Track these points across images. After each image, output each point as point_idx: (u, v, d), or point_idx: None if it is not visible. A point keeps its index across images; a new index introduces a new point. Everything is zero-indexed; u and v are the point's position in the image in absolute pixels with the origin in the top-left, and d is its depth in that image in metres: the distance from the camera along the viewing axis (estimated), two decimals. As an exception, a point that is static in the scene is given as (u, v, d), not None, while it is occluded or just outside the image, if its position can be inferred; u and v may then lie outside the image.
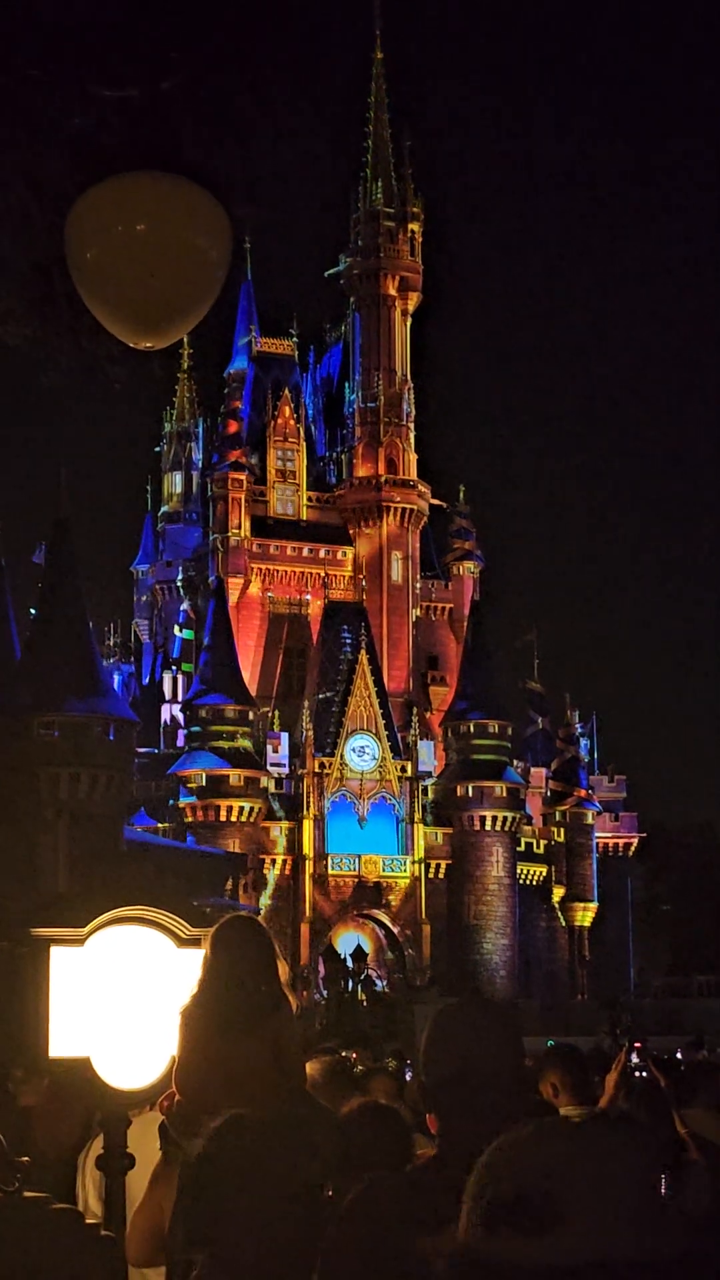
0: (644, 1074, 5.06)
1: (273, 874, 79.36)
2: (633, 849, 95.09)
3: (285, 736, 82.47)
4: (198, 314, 4.01)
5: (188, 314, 3.95)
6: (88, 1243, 4.48)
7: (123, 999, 4.71)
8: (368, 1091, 7.60)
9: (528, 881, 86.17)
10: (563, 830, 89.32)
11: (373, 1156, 4.15)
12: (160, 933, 4.75)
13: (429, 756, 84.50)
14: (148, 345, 3.99)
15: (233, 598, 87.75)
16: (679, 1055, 19.00)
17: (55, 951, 4.65)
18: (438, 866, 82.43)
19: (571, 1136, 1.94)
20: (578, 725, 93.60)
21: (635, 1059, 5.15)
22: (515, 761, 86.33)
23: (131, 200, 3.85)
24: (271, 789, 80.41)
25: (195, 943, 4.55)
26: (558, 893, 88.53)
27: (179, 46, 4.11)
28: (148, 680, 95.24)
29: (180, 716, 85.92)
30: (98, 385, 4.72)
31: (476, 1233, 1.89)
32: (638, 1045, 5.27)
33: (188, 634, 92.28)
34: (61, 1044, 4.66)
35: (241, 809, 78.69)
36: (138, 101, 4.09)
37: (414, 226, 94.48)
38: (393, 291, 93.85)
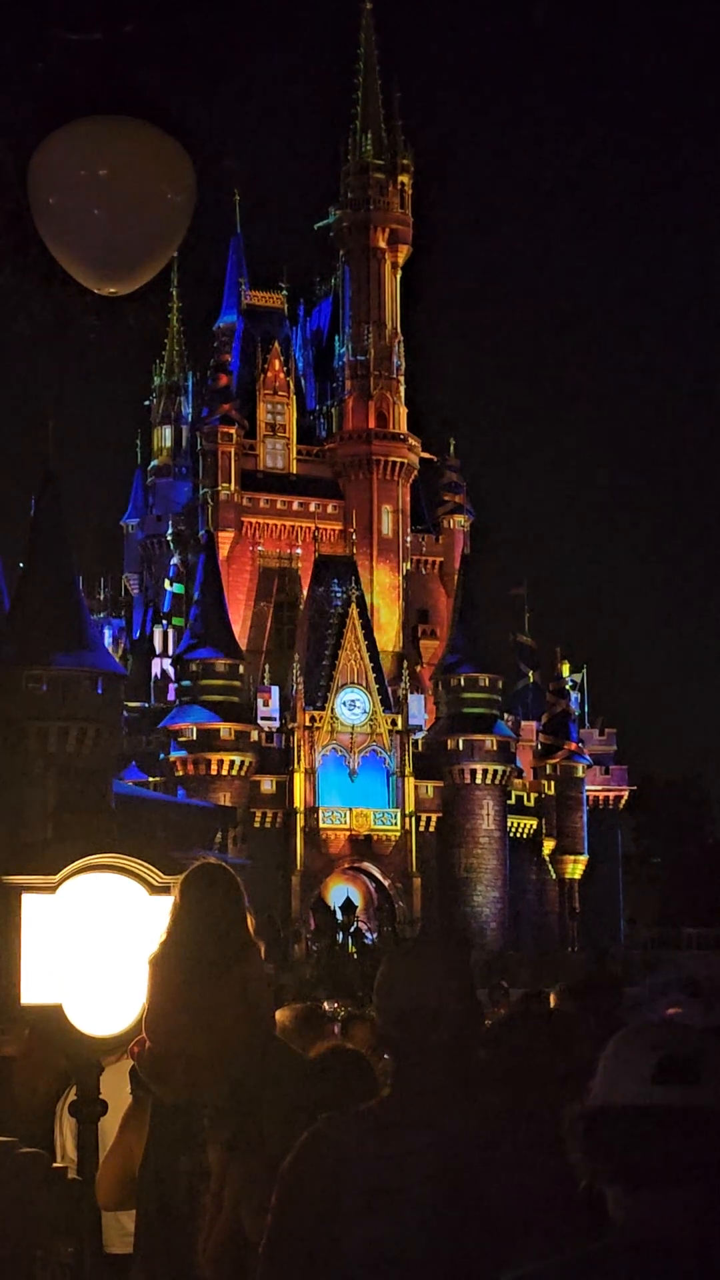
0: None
1: (262, 828, 79.47)
2: (623, 802, 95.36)
3: (276, 690, 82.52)
4: (161, 259, 3.99)
5: (150, 259, 3.94)
6: (54, 1184, 4.54)
7: (95, 946, 4.73)
8: (350, 1038, 7.64)
9: (518, 834, 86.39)
10: (553, 783, 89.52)
11: (338, 1099, 4.17)
12: (132, 880, 4.77)
13: (419, 710, 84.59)
14: (111, 291, 3.98)
15: (223, 551, 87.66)
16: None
17: (27, 899, 4.66)
18: (428, 820, 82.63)
19: None
20: (568, 679, 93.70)
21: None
22: (505, 715, 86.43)
23: (94, 145, 3.83)
24: (262, 743, 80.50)
25: (166, 890, 4.56)
26: (548, 846, 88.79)
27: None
28: (138, 634, 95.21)
29: (171, 671, 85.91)
30: (75, 336, 4.70)
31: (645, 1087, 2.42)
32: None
33: (178, 588, 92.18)
34: (33, 991, 4.68)
35: (232, 763, 78.80)
36: (105, 46, 4.06)
37: (404, 178, 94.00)
38: (383, 244, 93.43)
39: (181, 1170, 4.28)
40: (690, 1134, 2.34)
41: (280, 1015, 6.73)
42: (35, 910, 4.69)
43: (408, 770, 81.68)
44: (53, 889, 4.71)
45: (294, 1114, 3.94)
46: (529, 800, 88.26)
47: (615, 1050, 2.50)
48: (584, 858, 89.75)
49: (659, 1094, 2.39)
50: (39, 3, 4.00)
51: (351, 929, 62.23)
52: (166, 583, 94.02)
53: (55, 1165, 4.71)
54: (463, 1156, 3.19)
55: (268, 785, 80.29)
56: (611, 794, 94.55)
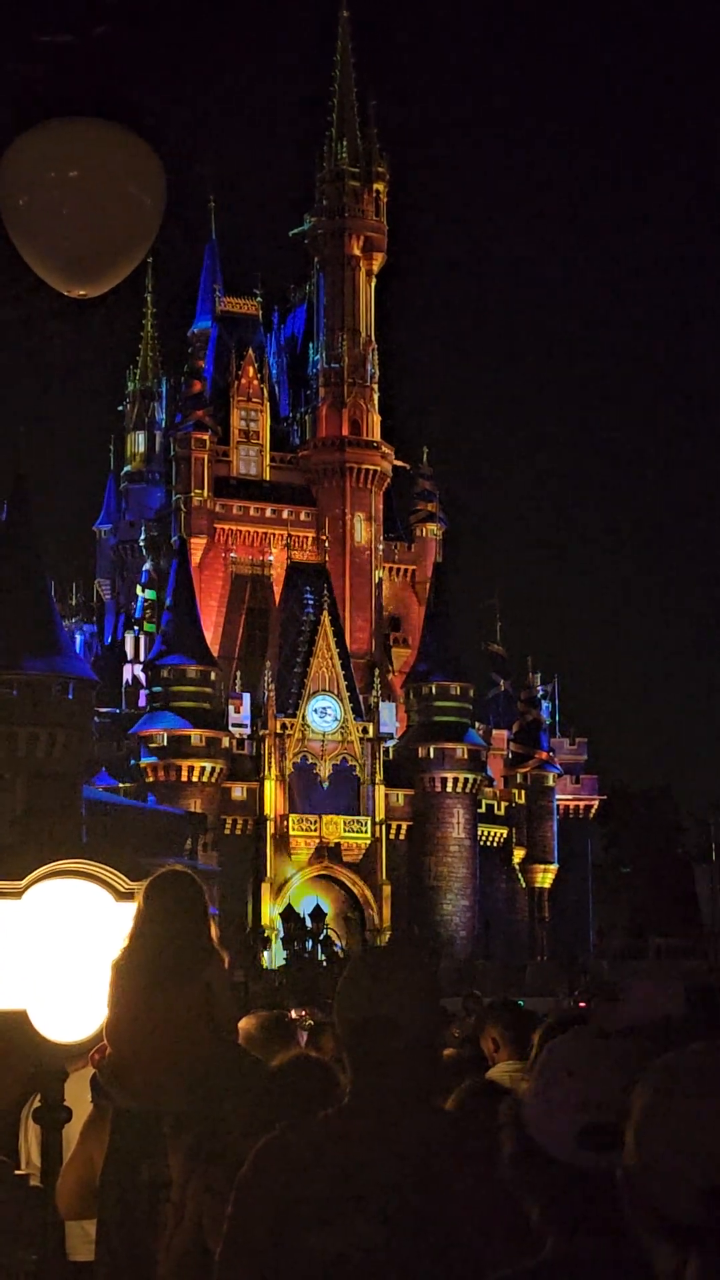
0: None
1: (232, 834, 79.38)
2: (593, 811, 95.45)
3: (247, 697, 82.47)
4: (131, 262, 3.98)
5: (120, 262, 3.92)
6: (17, 1192, 4.51)
7: (61, 952, 4.70)
8: (319, 1048, 7.62)
9: (488, 843, 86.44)
10: (523, 792, 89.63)
11: (301, 1108, 4.15)
12: (99, 886, 4.75)
13: (390, 718, 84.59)
14: (81, 293, 3.96)
15: (195, 558, 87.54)
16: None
17: (-8, 904, 4.63)
18: (398, 828, 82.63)
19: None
20: (539, 688, 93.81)
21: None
22: (477, 723, 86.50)
23: (64, 146, 3.82)
24: (233, 749, 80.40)
25: (133, 896, 4.54)
26: (518, 854, 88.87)
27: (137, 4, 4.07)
28: (110, 640, 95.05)
29: (142, 676, 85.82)
30: (48, 341, 4.69)
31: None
32: (582, 1005, 5.31)
33: (150, 594, 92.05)
34: (-2, 996, 4.65)
35: (203, 769, 78.69)
36: (80, 50, 4.04)
37: (379, 186, 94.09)
38: (357, 251, 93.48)
39: (143, 1179, 4.26)
40: (614, 1198, 2.33)
41: (246, 1023, 6.71)
42: (1, 916, 4.67)
43: (378, 778, 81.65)
44: (19, 894, 4.69)
45: (256, 1123, 3.92)
46: (499, 809, 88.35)
47: (542, 1089, 2.51)
48: (554, 867, 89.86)
49: (584, 1158, 2.41)
50: (12, 6, 3.98)
51: (321, 937, 62.17)
52: (138, 588, 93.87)
53: (18, 1173, 4.68)
54: (420, 1166, 3.17)
55: (238, 792, 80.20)
56: (582, 803, 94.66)
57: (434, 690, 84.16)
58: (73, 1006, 4.63)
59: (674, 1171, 2.06)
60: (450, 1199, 3.09)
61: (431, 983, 3.44)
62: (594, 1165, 2.38)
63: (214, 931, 4.44)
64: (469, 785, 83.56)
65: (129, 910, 4.49)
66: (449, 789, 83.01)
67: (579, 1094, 2.46)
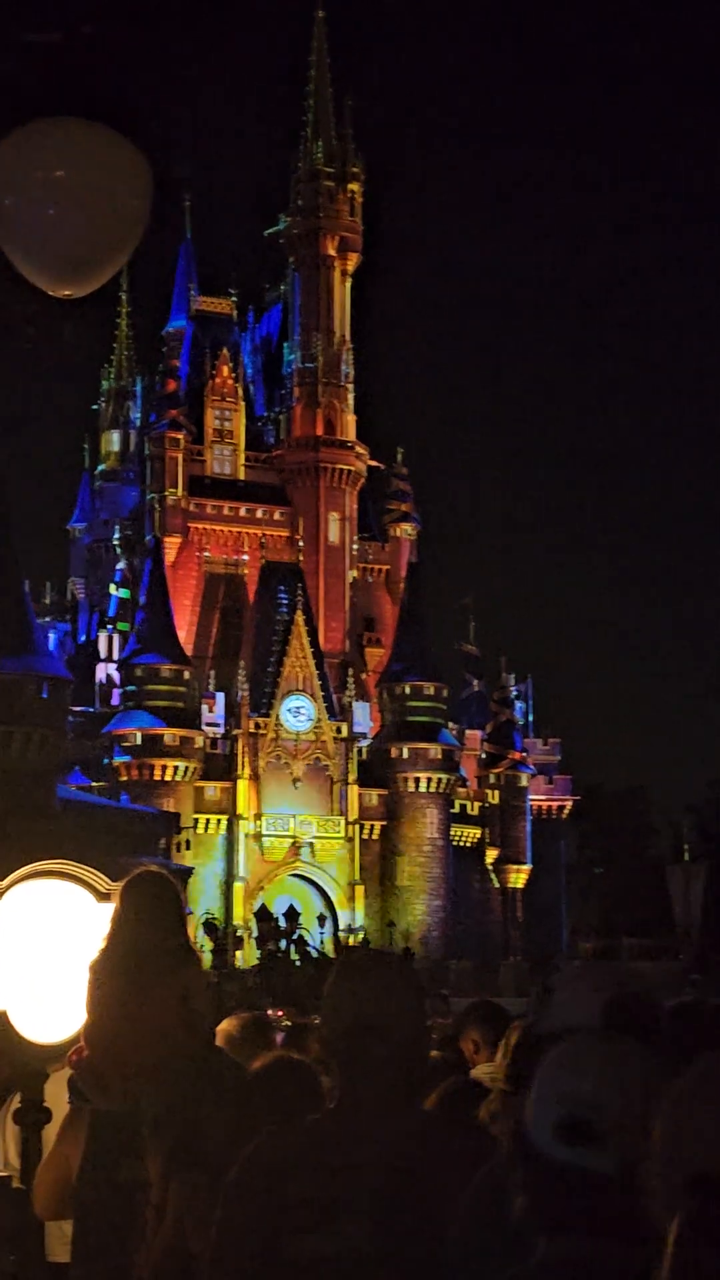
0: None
1: (206, 834, 79.33)
2: (566, 812, 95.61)
3: (221, 696, 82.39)
4: (116, 262, 3.97)
5: (106, 262, 3.92)
6: (-2, 1194, 4.50)
7: (41, 953, 4.70)
8: (302, 1049, 7.60)
9: (461, 843, 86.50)
10: (497, 793, 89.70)
11: (281, 1109, 4.15)
12: (79, 886, 4.75)
13: (364, 718, 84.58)
14: (67, 293, 3.95)
15: (169, 557, 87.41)
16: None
17: (-29, 904, 4.63)
18: (372, 828, 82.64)
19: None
20: (513, 688, 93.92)
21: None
22: (450, 724, 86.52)
23: (50, 147, 3.81)
24: (207, 749, 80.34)
25: (113, 896, 4.54)
26: (491, 855, 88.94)
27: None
28: (84, 639, 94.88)
29: (116, 675, 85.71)
30: (20, 340, 4.68)
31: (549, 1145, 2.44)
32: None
33: (124, 593, 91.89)
34: (-23, 997, 4.65)
35: (176, 768, 78.59)
36: (62, 49, 4.04)
37: (354, 186, 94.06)
38: (332, 252, 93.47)
39: (121, 1180, 4.26)
40: (593, 1195, 2.39)
41: (227, 1024, 6.71)
42: (-20, 916, 4.66)
43: (352, 778, 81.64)
44: (-2, 894, 4.69)
45: (236, 1125, 3.92)
46: (473, 809, 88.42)
47: (535, 1085, 2.56)
48: (527, 867, 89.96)
49: (558, 1151, 2.44)
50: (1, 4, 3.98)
51: (295, 936, 62.13)
52: (112, 587, 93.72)
53: (-1, 1174, 4.67)
54: (408, 1169, 3.18)
55: (212, 791, 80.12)
56: (555, 804, 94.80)
57: (408, 690, 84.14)
58: (53, 1007, 4.63)
59: (667, 1161, 2.08)
60: (439, 1201, 3.10)
61: (417, 987, 3.46)
62: (567, 1159, 2.41)
63: (190, 931, 4.44)
64: (442, 785, 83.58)
65: (109, 911, 4.49)
66: (422, 789, 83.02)
67: (559, 1088, 2.50)
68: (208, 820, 79.57)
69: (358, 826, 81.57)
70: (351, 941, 74.32)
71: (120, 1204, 4.24)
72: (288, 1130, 3.33)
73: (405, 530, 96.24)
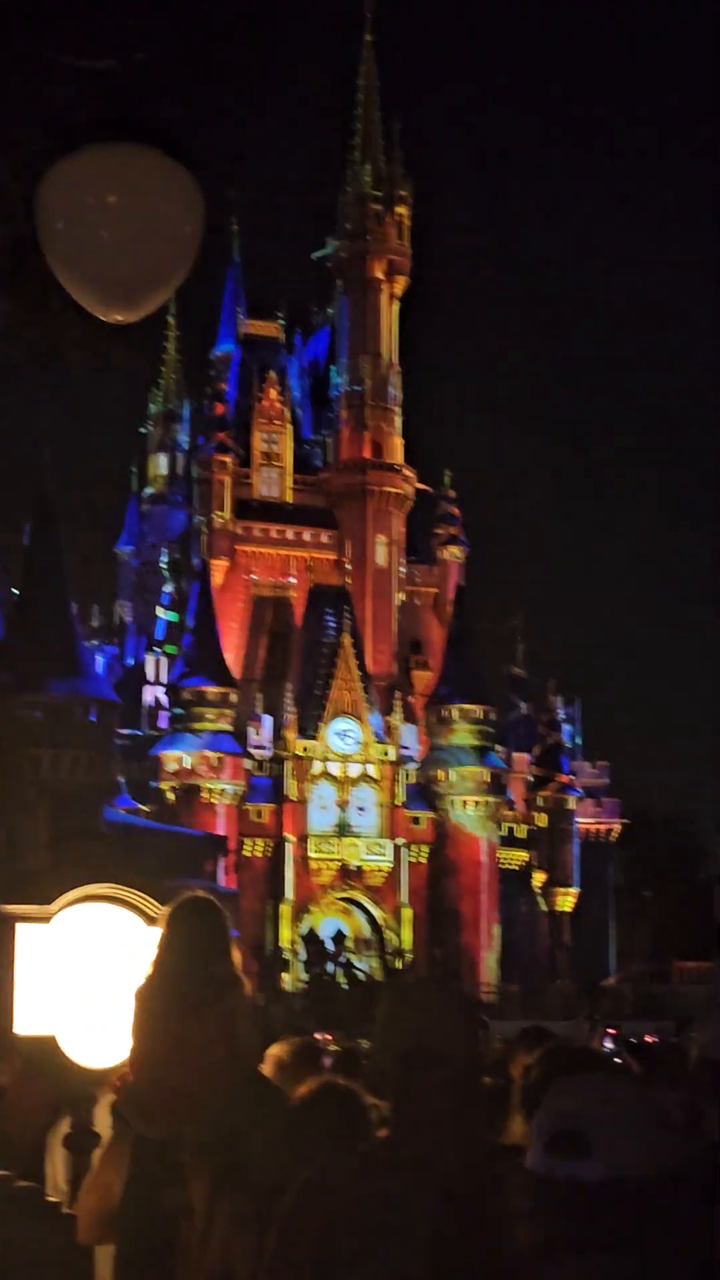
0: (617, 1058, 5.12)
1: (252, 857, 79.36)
2: (614, 835, 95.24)
3: (268, 719, 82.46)
4: (168, 288, 3.98)
5: (158, 287, 3.93)
6: (48, 1219, 4.49)
7: (91, 977, 4.70)
8: (353, 1073, 7.57)
9: (509, 866, 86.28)
10: (544, 815, 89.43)
11: (328, 1136, 4.14)
12: (129, 911, 4.75)
13: (412, 741, 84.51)
14: (118, 318, 3.97)
15: (217, 580, 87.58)
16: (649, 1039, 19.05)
17: (21, 928, 4.63)
18: (419, 850, 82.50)
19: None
20: (561, 710, 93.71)
21: (609, 1044, 5.19)
22: (498, 746, 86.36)
23: (103, 171, 3.83)
24: (253, 772, 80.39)
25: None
26: (539, 878, 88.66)
27: (162, 24, 4.09)
28: (131, 662, 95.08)
29: (163, 699, 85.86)
30: (71, 365, 4.70)
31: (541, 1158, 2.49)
32: (611, 1031, 5.29)
33: (171, 616, 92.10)
34: (27, 1022, 4.65)
35: (224, 791, 78.69)
36: (115, 75, 4.06)
37: (401, 210, 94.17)
38: (380, 275, 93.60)
39: (164, 1206, 4.25)
40: (586, 1207, 2.42)
41: (275, 1049, 6.70)
42: (29, 940, 4.67)
43: (399, 801, 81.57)
44: (47, 919, 4.69)
45: (281, 1151, 3.90)
46: (520, 832, 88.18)
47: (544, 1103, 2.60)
48: (574, 890, 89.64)
49: (548, 1165, 2.48)
50: (48, 31, 4.00)
51: (342, 960, 62.11)
52: (160, 610, 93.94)
53: (49, 1199, 4.67)
54: (463, 1199, 3.16)
55: (258, 814, 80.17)
56: (603, 826, 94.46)
57: (455, 713, 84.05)
58: (102, 1032, 4.62)
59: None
60: (494, 1230, 3.08)
61: (472, 1013, 3.44)
62: (555, 1172, 2.43)
63: (237, 956, 4.43)
64: (490, 808, 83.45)
65: (158, 935, 4.48)
66: (470, 811, 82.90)
67: (556, 1105, 2.52)
68: (254, 843, 79.60)
69: (405, 849, 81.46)
70: (399, 965, 74.22)
71: (162, 1230, 4.23)
72: (340, 1158, 3.31)
73: (453, 553, 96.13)
